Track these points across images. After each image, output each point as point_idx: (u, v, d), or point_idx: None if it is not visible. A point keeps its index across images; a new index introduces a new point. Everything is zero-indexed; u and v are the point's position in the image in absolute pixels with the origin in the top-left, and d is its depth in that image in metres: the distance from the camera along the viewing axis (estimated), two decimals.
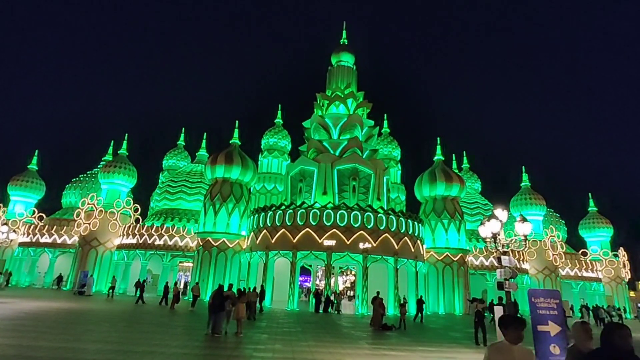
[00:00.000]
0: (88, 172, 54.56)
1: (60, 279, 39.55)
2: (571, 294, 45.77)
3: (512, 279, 9.14)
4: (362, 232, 29.48)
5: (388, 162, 49.51)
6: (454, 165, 56.35)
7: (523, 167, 50.93)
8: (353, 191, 34.99)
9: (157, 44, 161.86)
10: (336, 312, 28.43)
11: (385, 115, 58.70)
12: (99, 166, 52.98)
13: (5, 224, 27.34)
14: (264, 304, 27.43)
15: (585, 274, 48.34)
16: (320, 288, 36.34)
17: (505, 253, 9.19)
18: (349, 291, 54.98)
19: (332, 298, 29.55)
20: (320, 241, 28.86)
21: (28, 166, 51.31)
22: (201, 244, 34.64)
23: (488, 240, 9.57)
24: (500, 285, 9.08)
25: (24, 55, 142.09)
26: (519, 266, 37.75)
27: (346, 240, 29.14)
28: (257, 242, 31.92)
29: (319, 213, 29.94)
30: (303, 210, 30.40)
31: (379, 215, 30.63)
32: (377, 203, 33.93)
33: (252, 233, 33.17)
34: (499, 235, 9.36)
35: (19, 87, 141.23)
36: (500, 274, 9.10)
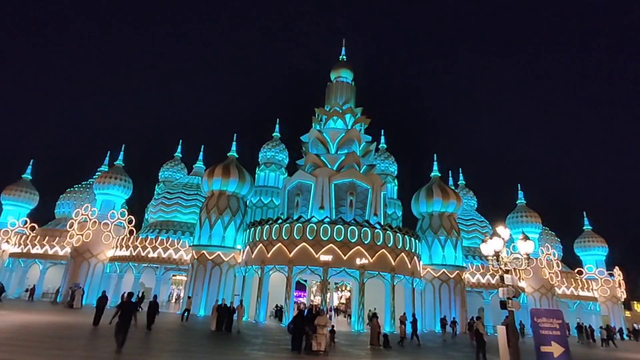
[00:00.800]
0: (83, 183, 54.01)
1: (33, 290, 37.23)
2: (567, 313, 45.49)
3: (515, 298, 9.05)
4: (359, 247, 29.29)
5: (385, 178, 49.61)
6: (450, 182, 56.63)
7: (519, 184, 51.30)
8: (350, 206, 34.91)
9: (156, 55, 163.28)
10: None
11: (382, 130, 59.16)
12: (94, 177, 52.57)
13: None
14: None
15: (581, 292, 48.15)
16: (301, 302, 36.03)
17: (508, 271, 9.12)
18: (343, 307, 54.26)
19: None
20: (316, 256, 28.60)
21: (22, 175, 50.85)
22: (196, 257, 34.17)
23: (490, 258, 9.51)
24: (503, 304, 8.98)
25: (19, 63, 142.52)
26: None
27: (343, 256, 28.90)
28: (253, 256, 31.56)
29: (315, 228, 29.77)
30: (300, 225, 30.20)
31: (376, 230, 30.50)
32: (374, 218, 33.85)
33: (247, 247, 32.83)
34: (501, 253, 9.31)
35: (15, 96, 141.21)
36: (503, 293, 9.02)
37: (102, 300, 19.77)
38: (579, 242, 55.19)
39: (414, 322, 24.36)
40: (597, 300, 49.36)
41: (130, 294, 14.01)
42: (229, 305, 22.43)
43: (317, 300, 43.05)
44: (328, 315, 29.29)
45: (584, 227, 55.98)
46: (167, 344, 15.88)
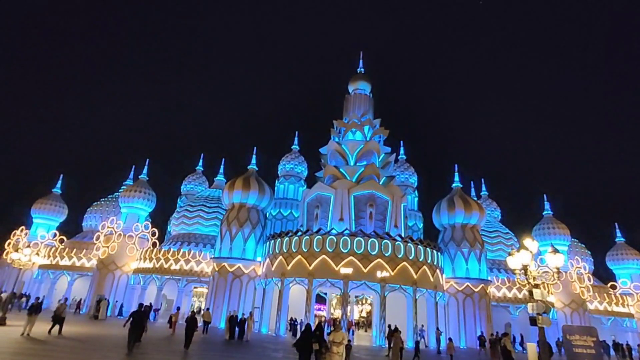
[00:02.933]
0: (109, 196, 55.78)
1: (79, 304, 37.54)
2: (601, 329, 43.19)
3: (545, 314, 8.66)
4: (379, 260, 28.88)
5: (405, 189, 49.06)
6: (473, 193, 55.42)
7: (544, 195, 49.70)
8: (370, 218, 34.59)
9: (177, 71, 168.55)
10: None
11: (401, 142, 58.79)
12: (119, 190, 54.19)
13: (28, 246, 27.86)
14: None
15: (615, 308, 45.72)
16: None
17: (537, 286, 8.76)
18: (363, 321, 53.30)
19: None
20: (336, 269, 28.33)
21: (52, 190, 52.88)
22: (217, 269, 34.45)
23: (518, 271, 9.17)
24: (533, 321, 8.60)
25: (49, 77, 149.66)
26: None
27: (363, 269, 28.53)
28: (273, 268, 31.55)
29: (335, 240, 29.57)
30: (319, 237, 30.08)
31: (397, 243, 30.03)
32: (394, 230, 33.37)
33: (267, 259, 32.87)
34: (529, 266, 8.96)
35: (43, 112, 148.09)
36: (532, 308, 8.65)
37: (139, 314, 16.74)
38: (611, 255, 52.78)
39: (438, 336, 23.65)
40: (634, 316, 46.74)
41: (141, 305, 17.16)
42: (240, 317, 24.73)
43: (337, 313, 42.43)
44: (350, 329, 28.83)
45: (616, 239, 53.56)
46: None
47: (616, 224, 54.57)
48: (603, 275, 53.68)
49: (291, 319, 30.85)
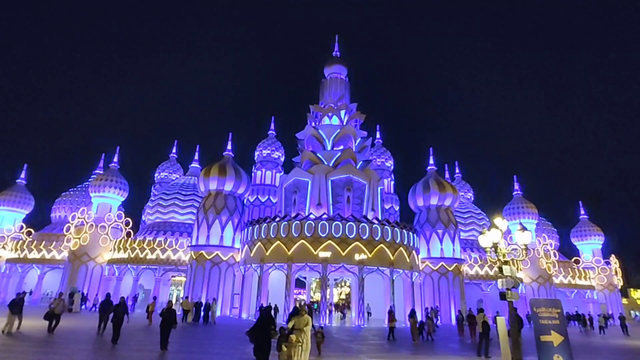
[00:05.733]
0: (78, 186, 53.73)
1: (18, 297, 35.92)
2: (566, 302, 45.91)
3: (514, 289, 9.10)
4: (357, 243, 29.34)
5: (381, 173, 49.68)
6: (447, 175, 56.81)
7: (514, 176, 51.55)
8: (347, 202, 34.97)
9: (149, 55, 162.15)
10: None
11: (378, 126, 59.21)
12: (89, 179, 52.28)
13: None
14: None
15: (578, 281, 48.60)
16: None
17: (506, 262, 9.16)
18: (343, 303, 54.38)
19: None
20: (315, 253, 28.63)
21: (16, 180, 50.47)
22: (194, 257, 34.12)
23: (488, 249, 9.55)
24: (502, 296, 9.03)
25: (10, 62, 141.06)
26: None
27: (341, 252, 28.95)
28: (252, 254, 31.55)
29: (313, 224, 29.78)
30: (298, 222, 30.21)
31: (374, 226, 30.55)
32: (371, 214, 33.89)
33: (246, 246, 32.81)
34: (499, 244, 9.35)
35: (7, 97, 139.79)
36: (502, 284, 9.07)
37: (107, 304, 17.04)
38: (575, 232, 55.73)
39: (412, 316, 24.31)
40: (595, 288, 49.87)
41: (122, 298, 16.34)
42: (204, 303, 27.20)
43: (316, 297, 43.08)
44: (328, 311, 29.19)
45: (580, 217, 56.48)
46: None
47: (580, 202, 57.54)
48: (567, 251, 56.82)
49: (262, 306, 30.21)
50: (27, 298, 41.53)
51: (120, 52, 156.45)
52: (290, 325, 9.94)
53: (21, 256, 41.53)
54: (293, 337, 9.67)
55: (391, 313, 21.17)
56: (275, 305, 29.47)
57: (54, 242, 42.09)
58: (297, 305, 14.08)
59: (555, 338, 9.00)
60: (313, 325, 11.24)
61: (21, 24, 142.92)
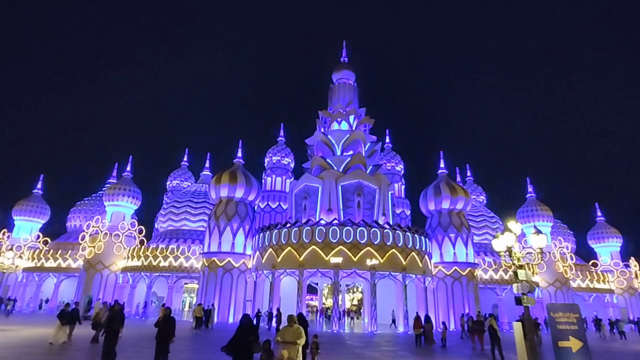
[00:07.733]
0: (92, 195, 54.72)
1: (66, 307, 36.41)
2: (584, 306, 44.77)
3: (530, 293, 8.91)
4: (369, 248, 29.16)
5: (392, 177, 49.44)
6: (459, 179, 56.25)
7: (528, 178, 50.78)
8: (358, 207, 34.82)
9: (160, 66, 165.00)
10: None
11: (387, 130, 59.03)
12: (103, 189, 53.20)
13: (11, 249, 27.23)
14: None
15: (597, 285, 47.38)
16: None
17: (521, 267, 8.98)
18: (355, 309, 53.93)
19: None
20: (326, 259, 28.52)
21: (33, 191, 51.60)
22: (206, 264, 34.29)
23: (502, 253, 9.38)
24: (518, 300, 8.85)
25: (25, 75, 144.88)
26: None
27: (353, 257, 28.79)
28: (263, 261, 31.59)
29: (324, 230, 29.70)
30: (309, 228, 30.17)
31: (386, 230, 30.35)
32: (382, 218, 33.67)
33: (257, 252, 32.87)
34: (513, 248, 9.18)
35: (21, 111, 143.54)
36: (517, 289, 8.89)
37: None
38: (592, 234, 54.44)
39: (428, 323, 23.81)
40: (614, 292, 48.56)
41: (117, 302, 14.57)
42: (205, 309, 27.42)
43: (329, 303, 42.80)
44: (337, 318, 28.64)
45: (597, 219, 55.22)
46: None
47: (597, 204, 56.27)
48: (584, 254, 55.52)
49: (258, 311, 29.08)
50: (44, 306, 42.56)
51: (133, 63, 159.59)
52: (278, 337, 8.26)
53: (38, 265, 42.31)
54: (285, 352, 7.90)
55: (417, 320, 20.77)
56: (279, 309, 27.46)
57: (70, 251, 42.80)
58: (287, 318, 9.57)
59: (574, 344, 8.78)
60: (307, 342, 9.38)
61: (39, 33, 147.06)
